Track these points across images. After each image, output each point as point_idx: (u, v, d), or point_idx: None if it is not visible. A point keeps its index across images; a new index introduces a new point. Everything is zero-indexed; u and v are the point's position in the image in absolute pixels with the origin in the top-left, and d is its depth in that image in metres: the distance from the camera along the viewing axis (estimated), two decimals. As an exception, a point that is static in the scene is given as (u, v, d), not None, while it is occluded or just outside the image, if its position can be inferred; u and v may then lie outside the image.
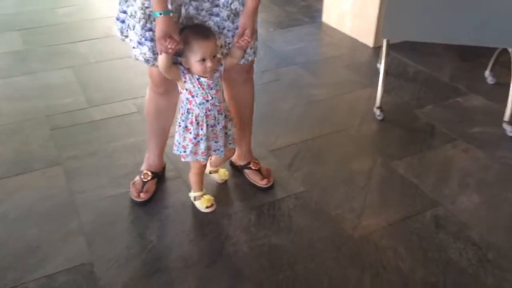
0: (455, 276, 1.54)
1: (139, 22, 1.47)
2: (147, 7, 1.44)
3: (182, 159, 1.67)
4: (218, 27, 1.52)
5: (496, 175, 2.00)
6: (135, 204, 1.82)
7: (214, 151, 1.66)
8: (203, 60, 1.46)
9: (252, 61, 1.70)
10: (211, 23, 1.51)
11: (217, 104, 1.58)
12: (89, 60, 2.95)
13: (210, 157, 1.72)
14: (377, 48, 3.07)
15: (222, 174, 1.92)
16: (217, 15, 1.50)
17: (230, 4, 1.48)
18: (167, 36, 1.38)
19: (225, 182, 1.94)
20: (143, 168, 1.90)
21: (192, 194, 1.80)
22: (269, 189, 1.89)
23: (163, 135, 1.85)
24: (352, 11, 3.27)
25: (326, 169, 2.03)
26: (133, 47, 1.55)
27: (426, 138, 2.24)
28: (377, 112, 2.37)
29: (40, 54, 3.03)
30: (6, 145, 2.16)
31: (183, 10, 1.46)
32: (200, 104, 1.55)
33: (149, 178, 1.86)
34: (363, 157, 2.11)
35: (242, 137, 1.87)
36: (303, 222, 1.75)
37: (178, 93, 1.66)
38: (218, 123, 1.60)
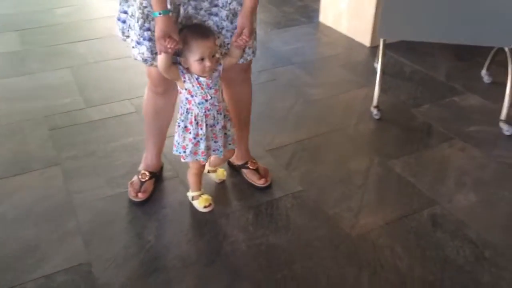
0: (453, 274, 1.55)
1: (138, 21, 1.48)
2: (145, 7, 1.44)
3: (182, 160, 1.67)
4: (217, 26, 1.52)
5: (492, 174, 2.01)
6: (133, 204, 1.82)
7: (214, 151, 1.67)
8: (202, 59, 1.46)
9: (250, 61, 1.70)
10: (210, 22, 1.51)
11: (216, 103, 1.58)
12: (87, 60, 2.96)
13: (209, 157, 1.73)
14: (373, 48, 3.08)
15: (221, 174, 1.92)
16: (216, 14, 1.51)
17: (229, 4, 1.49)
18: (166, 36, 1.38)
19: (223, 182, 1.94)
20: (141, 168, 1.91)
21: (190, 194, 1.81)
22: (267, 188, 1.90)
23: (161, 135, 1.86)
24: (348, 11, 3.28)
25: (323, 168, 2.04)
26: (132, 47, 1.55)
27: (423, 137, 2.25)
28: (374, 111, 2.38)
29: (39, 55, 3.03)
30: (4, 145, 2.17)
31: (181, 10, 1.46)
32: (199, 103, 1.55)
33: (147, 178, 1.86)
34: (360, 156, 2.12)
35: (240, 137, 1.88)
36: (300, 221, 1.76)
37: (177, 92, 1.67)
38: (218, 123, 1.61)
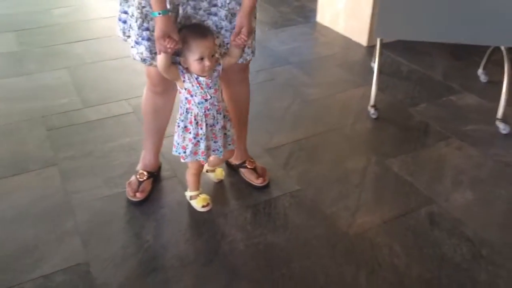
0: (450, 272, 1.56)
1: (136, 21, 1.48)
2: (143, 7, 1.44)
3: (182, 160, 1.67)
4: (216, 26, 1.53)
5: (489, 172, 2.02)
6: (131, 203, 1.82)
7: (214, 151, 1.67)
8: (201, 59, 1.46)
9: (248, 61, 1.71)
10: (209, 22, 1.52)
11: (216, 103, 1.58)
12: (85, 60, 2.96)
13: (209, 157, 1.73)
14: (370, 47, 3.09)
15: (219, 173, 1.93)
16: (215, 14, 1.51)
17: (228, 3, 1.49)
18: (166, 35, 1.39)
19: (220, 181, 1.95)
20: (139, 167, 1.91)
21: (188, 194, 1.81)
22: (265, 187, 1.90)
23: (160, 134, 1.86)
24: (345, 11, 3.29)
25: (321, 168, 2.04)
26: (131, 47, 1.56)
27: (420, 136, 2.26)
28: (371, 110, 2.39)
29: (36, 55, 3.03)
30: (2, 145, 2.17)
31: (180, 10, 1.47)
32: (199, 103, 1.56)
33: (145, 178, 1.87)
34: (357, 155, 2.13)
35: (238, 136, 1.88)
36: (298, 220, 1.76)
37: (176, 92, 1.67)
38: (217, 123, 1.61)
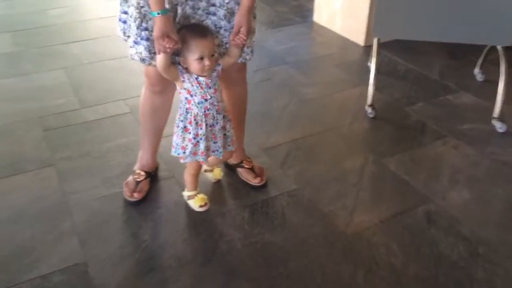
0: (447, 270, 1.56)
1: (135, 21, 1.48)
2: (142, 7, 1.45)
3: (181, 161, 1.67)
4: (215, 26, 1.53)
5: (486, 171, 2.03)
6: (128, 204, 1.82)
7: (213, 151, 1.67)
8: (201, 58, 1.47)
9: (245, 62, 1.71)
10: (208, 22, 1.52)
11: (216, 103, 1.58)
12: (81, 61, 2.95)
13: (208, 158, 1.72)
14: (367, 47, 3.09)
15: (217, 173, 1.92)
16: (214, 14, 1.51)
17: (227, 3, 1.49)
18: (165, 35, 1.39)
19: (218, 181, 1.95)
20: (136, 168, 1.91)
21: (186, 193, 1.81)
22: (262, 187, 1.90)
23: (158, 134, 1.86)
24: (342, 10, 3.29)
25: (318, 167, 2.05)
26: (130, 46, 1.56)
27: (417, 135, 2.26)
28: (369, 110, 2.39)
29: (32, 56, 3.02)
30: (-2, 146, 2.16)
31: (179, 10, 1.47)
32: (198, 103, 1.56)
33: (142, 178, 1.87)
34: (354, 154, 2.13)
35: (235, 136, 1.88)
36: (296, 219, 1.77)
37: (174, 91, 1.67)
38: (217, 123, 1.61)
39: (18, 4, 3.89)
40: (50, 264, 1.57)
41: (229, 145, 1.71)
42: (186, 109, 1.58)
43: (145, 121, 1.83)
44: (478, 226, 1.73)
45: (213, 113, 1.59)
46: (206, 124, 1.58)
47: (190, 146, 1.61)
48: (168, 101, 1.76)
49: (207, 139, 1.61)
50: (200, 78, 1.52)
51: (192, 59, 1.47)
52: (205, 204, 1.78)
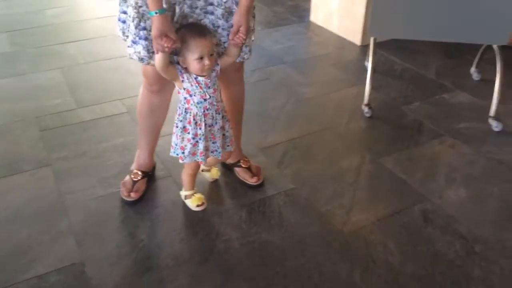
0: (444, 269, 1.57)
1: (133, 21, 1.48)
2: (140, 6, 1.45)
3: (180, 161, 1.67)
4: (213, 25, 1.53)
5: (482, 170, 2.03)
6: (125, 203, 1.82)
7: (212, 152, 1.67)
8: (201, 58, 1.47)
9: (242, 61, 1.71)
10: (206, 21, 1.52)
11: (215, 103, 1.58)
12: (78, 61, 2.95)
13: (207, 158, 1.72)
14: (364, 47, 3.10)
15: (214, 173, 1.92)
16: (212, 13, 1.51)
17: (224, 2, 1.49)
18: (163, 35, 1.39)
19: (215, 181, 1.95)
20: (133, 167, 1.91)
21: (183, 193, 1.81)
22: (259, 186, 1.91)
23: (155, 134, 1.86)
24: (339, 10, 3.30)
25: (315, 166, 2.05)
26: (128, 46, 1.56)
27: (413, 134, 2.27)
28: (365, 109, 2.40)
29: (29, 56, 3.02)
30: (-5, 146, 2.16)
31: (177, 9, 1.47)
32: (198, 103, 1.55)
33: (139, 178, 1.86)
34: (351, 154, 2.14)
35: (234, 136, 1.88)
36: (293, 218, 1.77)
37: (172, 91, 1.67)
38: (216, 123, 1.61)
39: (15, 4, 3.88)
40: (46, 264, 1.56)
41: (228, 145, 1.71)
42: (185, 109, 1.58)
43: (143, 121, 1.82)
44: (474, 225, 1.74)
45: (212, 113, 1.59)
46: (205, 124, 1.58)
47: (189, 146, 1.61)
48: (166, 101, 1.76)
49: (206, 139, 1.61)
50: (200, 78, 1.52)
51: (192, 58, 1.47)
52: (202, 203, 1.78)
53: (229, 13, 1.51)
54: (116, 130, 2.27)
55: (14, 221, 1.74)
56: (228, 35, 1.54)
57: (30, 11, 3.73)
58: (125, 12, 1.54)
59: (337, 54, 3.12)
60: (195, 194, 1.79)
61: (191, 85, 1.53)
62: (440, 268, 1.57)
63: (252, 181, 1.90)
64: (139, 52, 1.53)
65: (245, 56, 1.66)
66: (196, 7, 1.49)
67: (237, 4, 1.50)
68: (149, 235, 1.69)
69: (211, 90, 1.55)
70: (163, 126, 1.85)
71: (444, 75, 2.81)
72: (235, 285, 1.51)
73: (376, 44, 2.42)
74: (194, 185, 1.79)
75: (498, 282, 1.52)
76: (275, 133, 2.26)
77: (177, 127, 1.61)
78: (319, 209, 1.81)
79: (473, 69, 2.77)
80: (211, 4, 1.50)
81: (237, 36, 1.50)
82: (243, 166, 1.93)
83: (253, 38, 1.63)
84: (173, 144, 1.64)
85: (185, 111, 1.58)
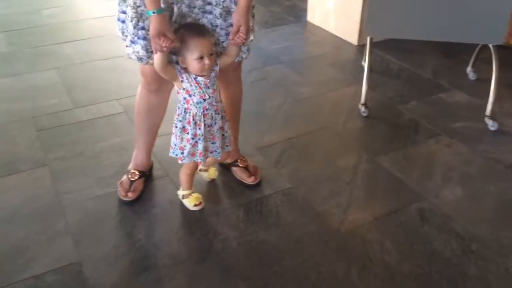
0: (440, 267, 1.57)
1: (131, 21, 1.48)
2: (138, 6, 1.45)
3: (179, 161, 1.67)
4: (211, 24, 1.53)
5: (478, 169, 2.04)
6: (122, 203, 1.82)
7: (211, 152, 1.67)
8: (201, 58, 1.47)
9: (240, 61, 1.71)
10: (204, 20, 1.52)
11: (214, 103, 1.59)
12: (74, 61, 2.94)
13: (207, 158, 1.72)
14: (361, 46, 3.11)
15: (212, 173, 1.92)
16: (210, 12, 1.51)
17: (222, 2, 1.49)
18: (161, 34, 1.39)
19: (213, 180, 1.95)
20: (131, 167, 1.90)
21: (181, 193, 1.81)
22: (257, 186, 1.91)
23: (153, 133, 1.86)
24: (336, 10, 3.30)
25: (312, 166, 2.05)
26: (126, 46, 1.56)
27: (410, 133, 2.27)
28: (362, 108, 2.40)
29: (25, 56, 3.01)
30: (-9, 147, 2.15)
31: (175, 9, 1.47)
32: (197, 103, 1.56)
33: (136, 177, 1.86)
34: (348, 153, 2.14)
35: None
36: (290, 217, 1.77)
37: (170, 90, 1.68)
38: (215, 123, 1.61)
39: (11, 4, 3.87)
40: (44, 264, 1.56)
41: (227, 146, 1.72)
42: (185, 109, 1.58)
43: (141, 120, 1.82)
44: (471, 223, 1.75)
45: (211, 113, 1.59)
46: (205, 124, 1.59)
47: (188, 146, 1.61)
48: (164, 100, 1.76)
49: (205, 139, 1.61)
50: (199, 78, 1.53)
51: (192, 58, 1.47)
52: (200, 203, 1.78)
53: (227, 12, 1.51)
54: (113, 130, 2.27)
55: (11, 221, 1.74)
56: (226, 34, 1.54)
57: (26, 11, 3.72)
58: (124, 12, 1.55)
59: (334, 54, 3.12)
60: (192, 194, 1.79)
61: (191, 85, 1.53)
62: (436, 266, 1.57)
63: (249, 180, 1.91)
64: (138, 52, 1.53)
65: (244, 56, 1.66)
66: (194, 7, 1.49)
67: (235, 3, 1.50)
68: (146, 234, 1.69)
69: (211, 90, 1.56)
70: (160, 126, 1.85)
71: (441, 74, 2.82)
72: (233, 284, 1.51)
73: (373, 44, 2.43)
74: (192, 184, 1.79)
75: (495, 281, 1.52)
76: (272, 132, 2.27)
77: (176, 127, 1.61)
78: (316, 208, 1.82)
79: (469, 69, 2.78)
80: (209, 3, 1.50)
81: (238, 35, 1.51)
82: (241, 165, 1.93)
83: (252, 38, 1.63)
84: (172, 144, 1.64)
85: (184, 111, 1.58)
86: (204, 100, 1.56)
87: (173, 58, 1.52)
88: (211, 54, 1.49)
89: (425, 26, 2.30)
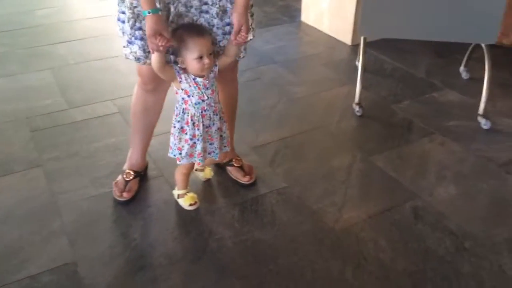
0: (434, 265, 1.58)
1: (129, 21, 1.48)
2: (135, 7, 1.45)
3: (178, 162, 1.67)
4: (208, 23, 1.54)
5: (471, 167, 2.06)
6: (117, 203, 1.82)
7: (209, 153, 1.67)
8: (200, 57, 1.47)
9: (237, 60, 1.72)
10: (201, 20, 1.52)
11: (213, 104, 1.59)
12: (68, 61, 2.94)
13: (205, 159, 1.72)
14: (355, 46, 3.12)
15: (208, 173, 1.92)
16: (207, 12, 1.52)
17: (219, 1, 1.50)
18: (157, 34, 1.39)
19: (208, 180, 1.95)
20: (126, 167, 1.90)
21: (176, 192, 1.81)
22: (252, 185, 1.91)
23: (148, 133, 1.86)
24: (330, 10, 3.31)
25: (307, 165, 2.06)
26: (123, 46, 1.56)
27: (403, 132, 2.29)
28: (356, 108, 2.42)
29: (19, 56, 3.00)
30: (-15, 147, 2.14)
31: (172, 8, 1.47)
32: (196, 104, 1.56)
33: (131, 177, 1.86)
34: (343, 152, 2.15)
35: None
36: (285, 216, 1.78)
37: (166, 90, 1.68)
38: (213, 124, 1.62)
39: (4, 4, 3.85)
40: (39, 265, 1.56)
41: (225, 146, 1.72)
42: (183, 109, 1.58)
43: (137, 120, 1.82)
44: (464, 221, 1.76)
45: (209, 114, 1.59)
46: (203, 125, 1.59)
47: (186, 147, 1.61)
48: (160, 100, 1.76)
49: (203, 140, 1.61)
50: (198, 79, 1.53)
51: (191, 58, 1.47)
52: (195, 202, 1.78)
53: (223, 11, 1.52)
54: (107, 130, 2.27)
55: (5, 221, 1.73)
56: (223, 34, 1.55)
57: (19, 12, 3.71)
58: (124, 13, 1.54)
59: (328, 53, 3.13)
60: (187, 193, 1.79)
61: (189, 86, 1.53)
62: (430, 264, 1.59)
63: (244, 180, 1.91)
64: (135, 52, 1.53)
65: (241, 55, 1.66)
66: (191, 6, 1.50)
67: (231, 2, 1.50)
68: (141, 234, 1.69)
69: (209, 91, 1.56)
70: (156, 126, 1.85)
71: (434, 74, 2.83)
72: (228, 283, 1.51)
73: (367, 44, 2.44)
74: (187, 184, 1.80)
75: (488, 278, 1.54)
76: (267, 132, 2.27)
77: (174, 127, 1.61)
78: (311, 207, 1.82)
79: (462, 68, 2.80)
80: (206, 3, 1.50)
81: (239, 35, 1.51)
82: (236, 165, 1.94)
83: (251, 37, 1.63)
84: (171, 144, 1.64)
85: (182, 112, 1.58)
86: (203, 101, 1.56)
87: (171, 58, 1.52)
88: (211, 54, 1.49)
89: (419, 26, 2.31)
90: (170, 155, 1.66)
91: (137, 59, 1.55)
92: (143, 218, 1.76)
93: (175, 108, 1.60)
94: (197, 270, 1.55)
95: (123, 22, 1.56)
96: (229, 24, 1.53)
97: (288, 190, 1.91)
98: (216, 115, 1.62)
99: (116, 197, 1.82)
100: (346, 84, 2.70)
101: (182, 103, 1.57)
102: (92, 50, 3.06)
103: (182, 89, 1.55)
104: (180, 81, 1.53)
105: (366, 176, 2.01)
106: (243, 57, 1.68)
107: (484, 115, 2.33)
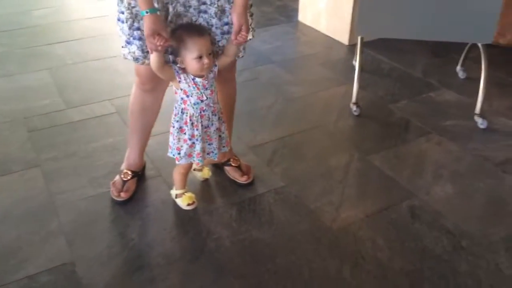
0: (431, 264, 1.59)
1: (127, 22, 1.49)
2: (133, 7, 1.46)
3: (177, 162, 1.67)
4: (207, 23, 1.54)
5: (468, 166, 2.07)
6: (115, 203, 1.82)
7: (208, 154, 1.67)
8: (200, 57, 1.47)
9: (235, 60, 1.72)
10: (200, 20, 1.53)
11: (212, 105, 1.59)
12: (66, 61, 2.94)
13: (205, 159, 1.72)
14: (352, 46, 3.13)
15: (206, 173, 1.93)
16: (205, 12, 1.52)
17: (217, 1, 1.50)
18: (155, 33, 1.40)
19: (206, 180, 1.95)
20: (123, 167, 1.91)
21: (174, 192, 1.81)
22: (249, 185, 1.92)
23: (146, 133, 1.86)
24: (327, 10, 3.32)
25: (304, 164, 2.07)
26: (122, 46, 1.56)
27: (401, 132, 2.30)
28: (353, 108, 2.42)
29: (17, 56, 3.00)
30: (-18, 148, 2.14)
31: (170, 8, 1.47)
32: (194, 104, 1.56)
33: (129, 177, 1.87)
34: (340, 152, 2.16)
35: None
36: (283, 216, 1.78)
37: (164, 90, 1.68)
38: (212, 124, 1.62)
39: (2, 4, 3.85)
40: (37, 265, 1.56)
41: (223, 146, 1.73)
42: (182, 109, 1.58)
43: (135, 120, 1.83)
44: (461, 220, 1.77)
45: (208, 115, 1.60)
46: (202, 125, 1.59)
47: (185, 147, 1.62)
48: (158, 100, 1.76)
49: (202, 140, 1.62)
50: (197, 79, 1.53)
51: (191, 58, 1.48)
52: (193, 202, 1.79)
53: (221, 11, 1.52)
54: (105, 130, 2.27)
55: (3, 222, 1.73)
56: (221, 33, 1.55)
57: (17, 12, 3.70)
58: (123, 13, 1.55)
59: (325, 53, 3.14)
60: (185, 193, 1.79)
61: (189, 86, 1.54)
62: (428, 263, 1.59)
63: (242, 179, 1.91)
64: (134, 52, 1.54)
65: (240, 54, 1.67)
66: (190, 6, 1.50)
67: (229, 2, 1.51)
68: (139, 234, 1.69)
69: (208, 92, 1.56)
70: (154, 126, 1.85)
71: (431, 73, 2.84)
72: (226, 282, 1.52)
73: (364, 44, 2.45)
74: (185, 184, 1.80)
75: (485, 276, 1.55)
76: (265, 132, 2.28)
77: (173, 127, 1.61)
78: (308, 206, 1.83)
79: (459, 68, 2.81)
80: (204, 3, 1.51)
81: (240, 35, 1.51)
82: (233, 164, 1.94)
83: (251, 37, 1.64)
84: (170, 144, 1.65)
85: (181, 112, 1.59)
86: (202, 101, 1.56)
87: (169, 58, 1.53)
88: (210, 54, 1.50)
89: (416, 26, 2.32)
90: (169, 154, 1.66)
91: (136, 59, 1.56)
92: (141, 218, 1.76)
93: (174, 108, 1.60)
94: (195, 270, 1.56)
95: (123, 22, 1.56)
96: (227, 24, 1.54)
97: (285, 189, 1.91)
98: (215, 115, 1.62)
99: (114, 197, 1.83)
100: (344, 84, 2.70)
101: (181, 103, 1.58)
102: (90, 50, 3.06)
103: (181, 89, 1.55)
104: (179, 81, 1.54)
105: (363, 175, 2.01)
106: (242, 56, 1.69)
107: (481, 115, 2.34)
